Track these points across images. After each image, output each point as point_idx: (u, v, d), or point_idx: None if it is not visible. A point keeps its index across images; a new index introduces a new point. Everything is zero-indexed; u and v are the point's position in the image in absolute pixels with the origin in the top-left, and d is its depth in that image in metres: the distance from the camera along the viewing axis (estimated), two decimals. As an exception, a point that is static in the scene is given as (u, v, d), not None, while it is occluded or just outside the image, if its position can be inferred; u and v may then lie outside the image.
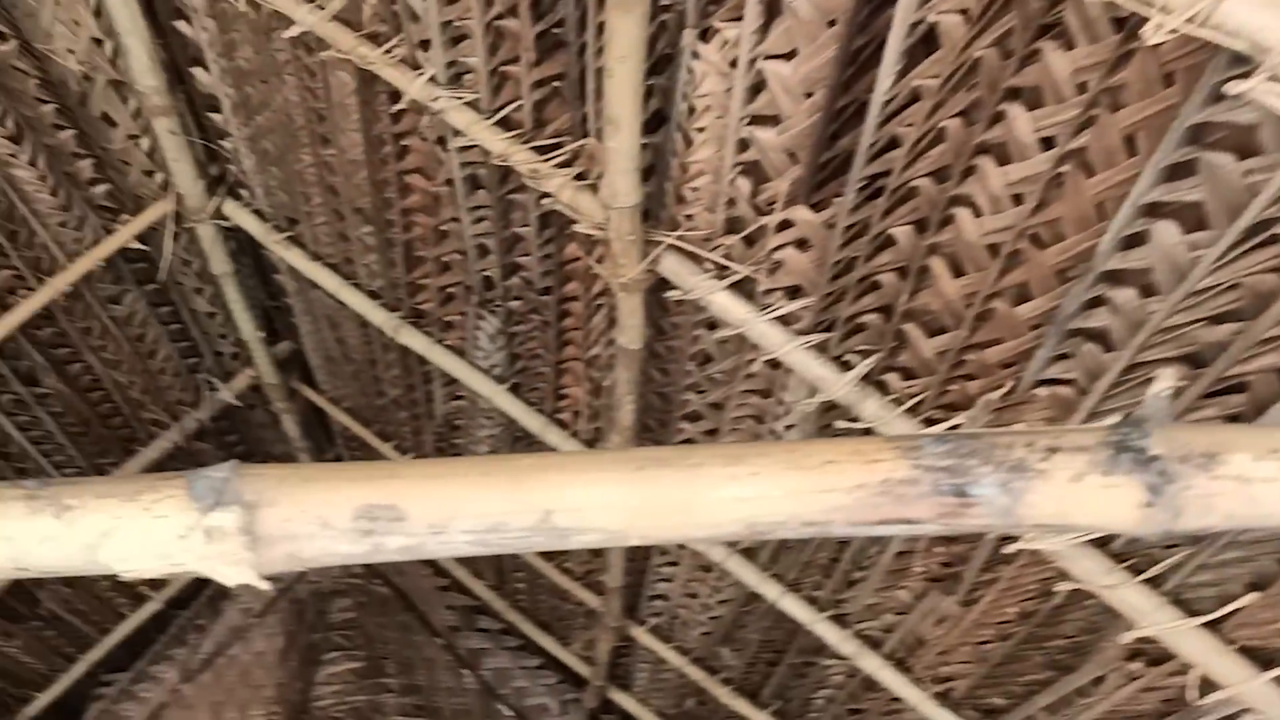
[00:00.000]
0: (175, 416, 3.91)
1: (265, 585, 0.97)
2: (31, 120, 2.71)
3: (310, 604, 4.75)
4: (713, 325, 2.15)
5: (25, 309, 3.04)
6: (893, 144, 1.54)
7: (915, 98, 1.46)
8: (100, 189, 3.01)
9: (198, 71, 2.70)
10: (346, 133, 2.44)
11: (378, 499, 0.94)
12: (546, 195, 2.08)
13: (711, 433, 2.49)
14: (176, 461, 4.04)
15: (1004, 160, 1.45)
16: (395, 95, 2.17)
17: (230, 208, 3.15)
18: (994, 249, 1.57)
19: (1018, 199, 1.47)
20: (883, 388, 1.96)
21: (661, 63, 1.72)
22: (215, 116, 2.84)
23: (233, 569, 0.95)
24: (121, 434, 3.80)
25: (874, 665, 2.81)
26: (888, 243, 1.71)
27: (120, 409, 3.71)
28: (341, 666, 4.60)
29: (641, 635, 3.72)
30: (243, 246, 3.42)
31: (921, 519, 0.96)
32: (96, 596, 4.17)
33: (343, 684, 4.56)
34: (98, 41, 2.61)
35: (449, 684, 4.73)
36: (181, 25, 2.56)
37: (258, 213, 3.15)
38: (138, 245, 3.16)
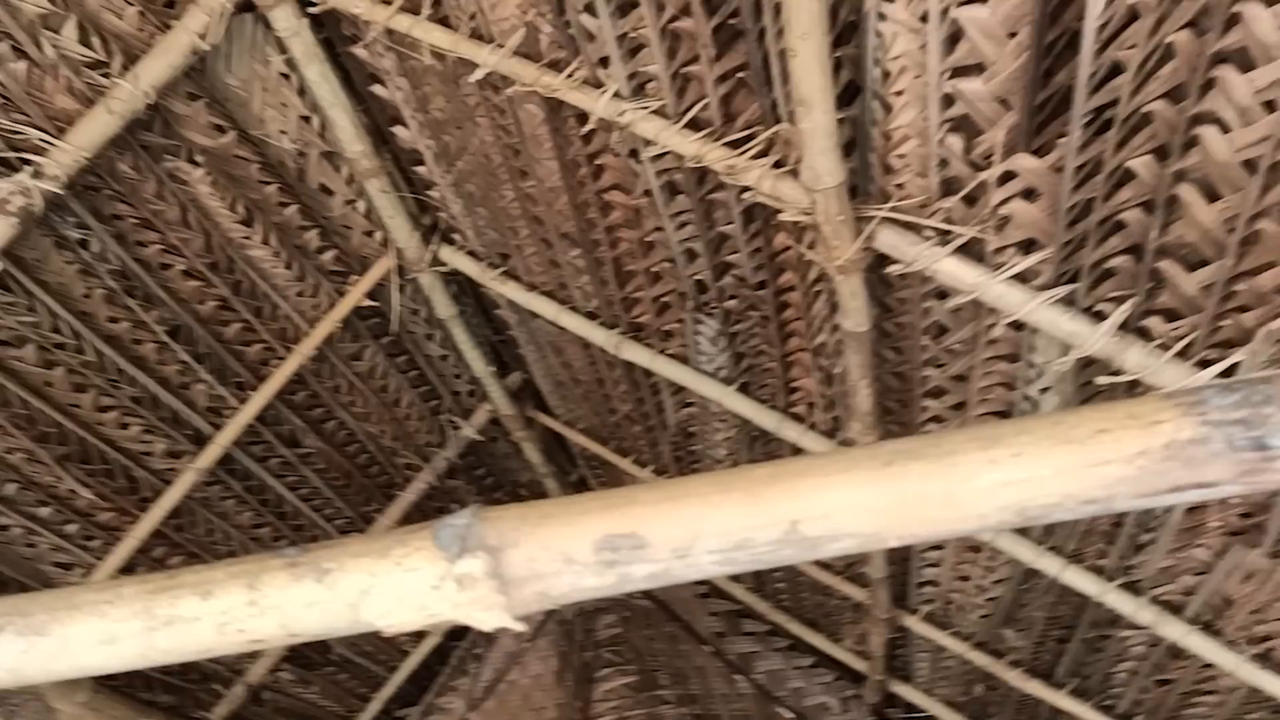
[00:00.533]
0: (426, 458, 4.15)
1: (520, 627, 1.00)
2: (258, 202, 2.95)
3: (577, 624, 4.92)
4: (943, 295, 2.07)
5: (279, 377, 3.31)
6: (1115, 70, 1.43)
7: (1133, 16, 1.35)
8: (328, 255, 3.23)
9: (398, 130, 2.85)
10: (542, 162, 2.51)
11: (617, 528, 0.95)
12: (747, 189, 2.06)
13: (959, 406, 2.39)
14: (433, 501, 4.29)
15: (1247, 66, 1.31)
16: (583, 117, 2.21)
17: (446, 253, 3.31)
18: (1250, 165, 1.42)
19: (1270, 105, 1.33)
20: (1144, 334, 1.82)
21: (846, 33, 1.67)
22: (420, 169, 2.99)
23: (487, 614, 0.97)
24: (380, 481, 4.07)
25: (1178, 632, 2.61)
26: (1126, 177, 1.58)
27: (376, 458, 3.98)
28: (616, 682, 4.74)
29: (915, 624, 3.62)
30: (463, 288, 3.59)
31: (1219, 481, 0.87)
32: (381, 638, 4.47)
33: (619, 699, 4.70)
34: (305, 118, 2.81)
35: (724, 690, 4.78)
36: (377, 89, 2.72)
37: (472, 254, 3.30)
38: (369, 302, 3.38)
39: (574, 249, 2.85)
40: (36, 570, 3.07)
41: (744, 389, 3.03)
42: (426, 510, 4.29)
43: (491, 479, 4.58)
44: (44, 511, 2.98)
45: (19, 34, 2.31)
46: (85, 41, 2.34)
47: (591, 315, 3.17)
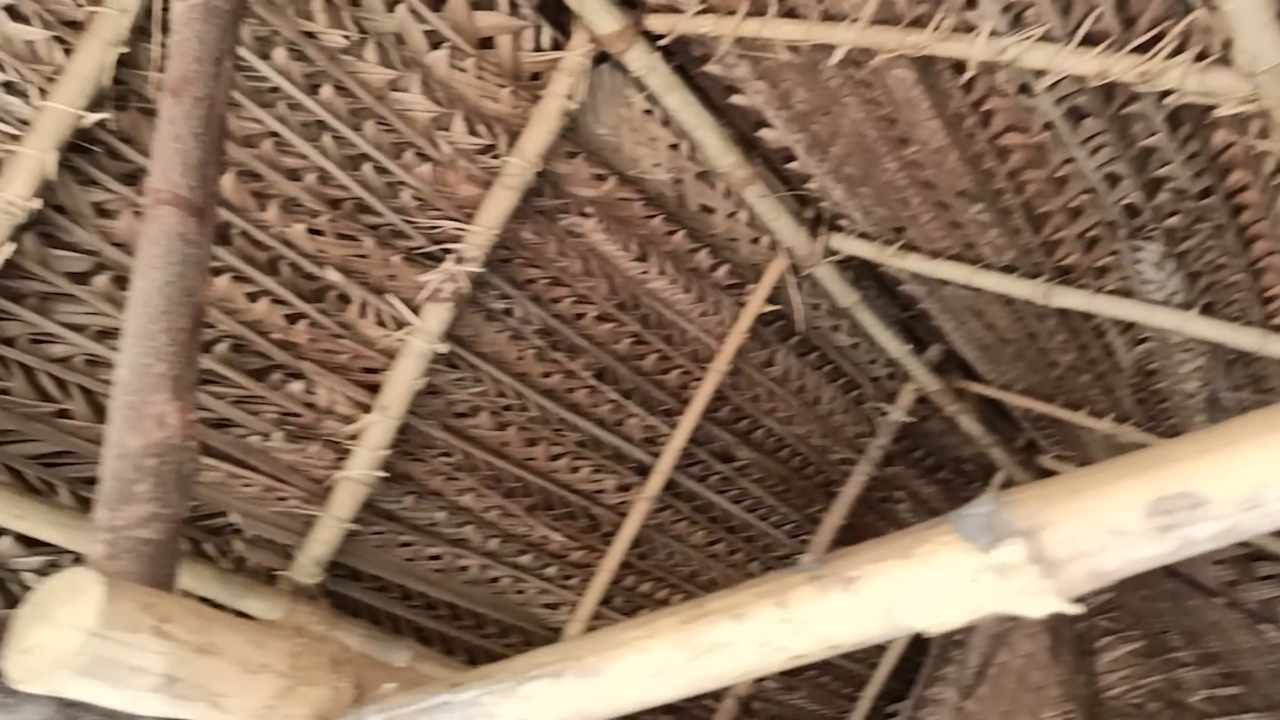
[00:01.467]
0: (860, 450, 4.13)
1: (1074, 609, 0.94)
2: (647, 237, 3.09)
3: (1058, 595, 4.66)
4: None
5: (701, 397, 3.44)
6: None
7: None
8: (721, 271, 3.32)
9: (764, 133, 2.87)
10: (922, 124, 2.41)
11: (1164, 489, 0.86)
12: (1168, 93, 1.84)
13: None
14: (875, 493, 4.26)
15: None
16: (959, 67, 2.10)
17: (837, 241, 3.28)
18: None
19: None
20: None
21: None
22: (792, 165, 2.99)
23: (1035, 601, 0.93)
24: (818, 481, 4.10)
25: None
26: None
27: (809, 459, 4.02)
28: (1119, 651, 4.42)
29: None
30: (860, 272, 3.54)
31: None
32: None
33: (1128, 668, 4.38)
34: (674, 146, 2.91)
35: (1250, 643, 4.30)
36: (736, 99, 2.75)
37: (863, 235, 3.24)
38: (770, 307, 3.43)
39: (975, 204, 2.71)
40: (529, 614, 3.41)
41: (1207, 310, 2.72)
42: (870, 503, 4.27)
43: (931, 459, 4.47)
44: (524, 559, 3.30)
45: (418, 140, 2.59)
46: (473, 131, 2.58)
47: (1009, 269, 2.99)
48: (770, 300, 3.43)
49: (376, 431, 2.73)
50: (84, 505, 2.33)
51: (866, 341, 3.84)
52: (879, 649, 4.62)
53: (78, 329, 2.28)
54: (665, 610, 1.09)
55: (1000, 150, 2.42)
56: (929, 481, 4.51)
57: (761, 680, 4.10)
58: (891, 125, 2.51)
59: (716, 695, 4.00)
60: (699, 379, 3.46)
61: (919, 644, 4.75)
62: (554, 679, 1.13)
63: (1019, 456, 4.53)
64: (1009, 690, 4.58)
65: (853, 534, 4.23)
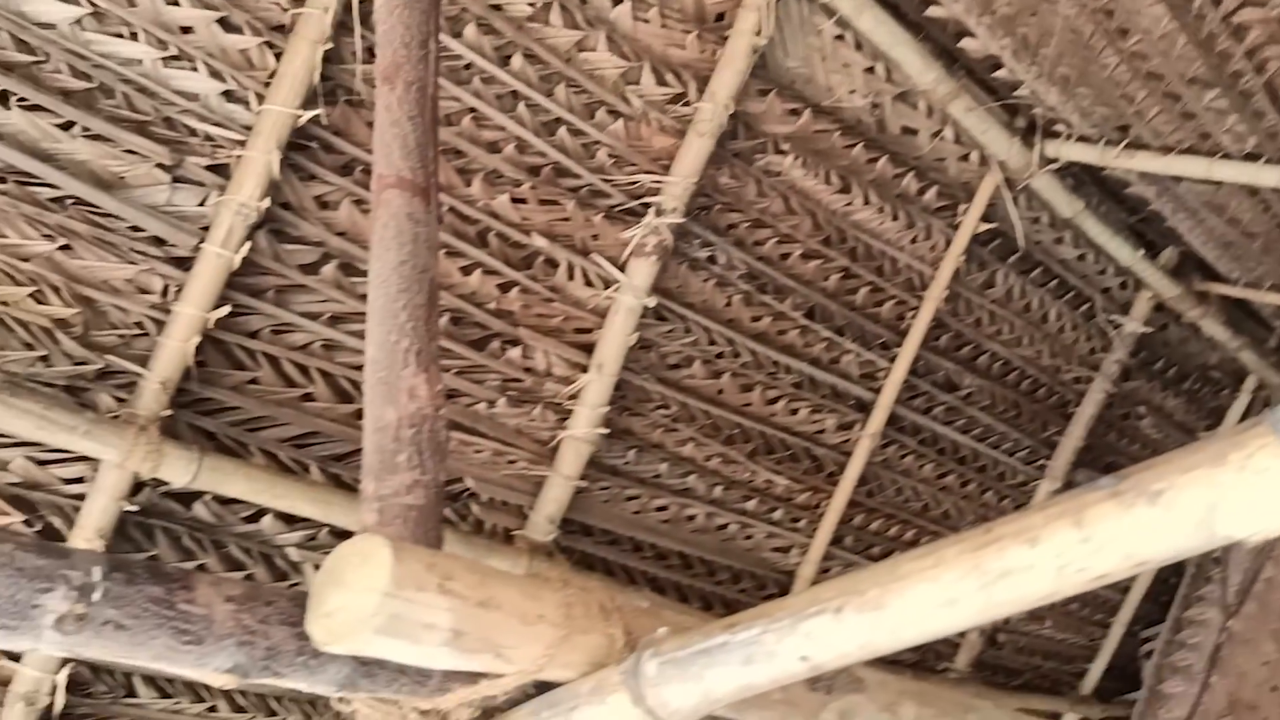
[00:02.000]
0: (1094, 367, 3.94)
1: None
2: (849, 167, 3.02)
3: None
4: None
5: (919, 327, 3.36)
6: None
7: None
8: (930, 194, 3.21)
9: (966, 43, 2.74)
10: (1144, 12, 2.25)
11: None
12: None
13: None
14: (1114, 410, 4.06)
15: None
16: (1181, -55, 1.94)
17: (1053, 148, 3.11)
18: None
19: None
20: None
21: None
22: (999, 74, 2.85)
23: None
24: (1051, 403, 3.94)
25: None
26: None
27: (1039, 380, 3.86)
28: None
29: None
30: (1080, 178, 3.36)
31: None
32: (1099, 561, 4.33)
33: None
34: (869, 70, 2.82)
35: None
36: (932, 11, 2.64)
37: (1082, 139, 3.06)
38: (985, 226, 3.30)
39: (1209, 90, 2.51)
40: (760, 559, 3.44)
41: None
42: (1109, 421, 4.07)
43: (1174, 369, 4.21)
44: (750, 505, 3.32)
45: (609, 97, 2.62)
46: (662, 82, 2.58)
47: (1252, 156, 2.77)
48: (985, 219, 3.30)
49: (594, 390, 2.80)
50: (334, 480, 2.50)
51: (1094, 252, 3.64)
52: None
53: (313, 317, 2.44)
54: (949, 540, 1.08)
55: (1235, 28, 2.23)
56: (1173, 394, 4.26)
57: (1005, 612, 4.00)
58: (1109, 17, 2.35)
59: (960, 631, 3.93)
60: (915, 308, 3.37)
61: (1173, 564, 4.51)
62: (835, 614, 1.13)
63: (1273, 358, 4.22)
64: (1278, 608, 4.31)
65: (1092, 456, 4.06)
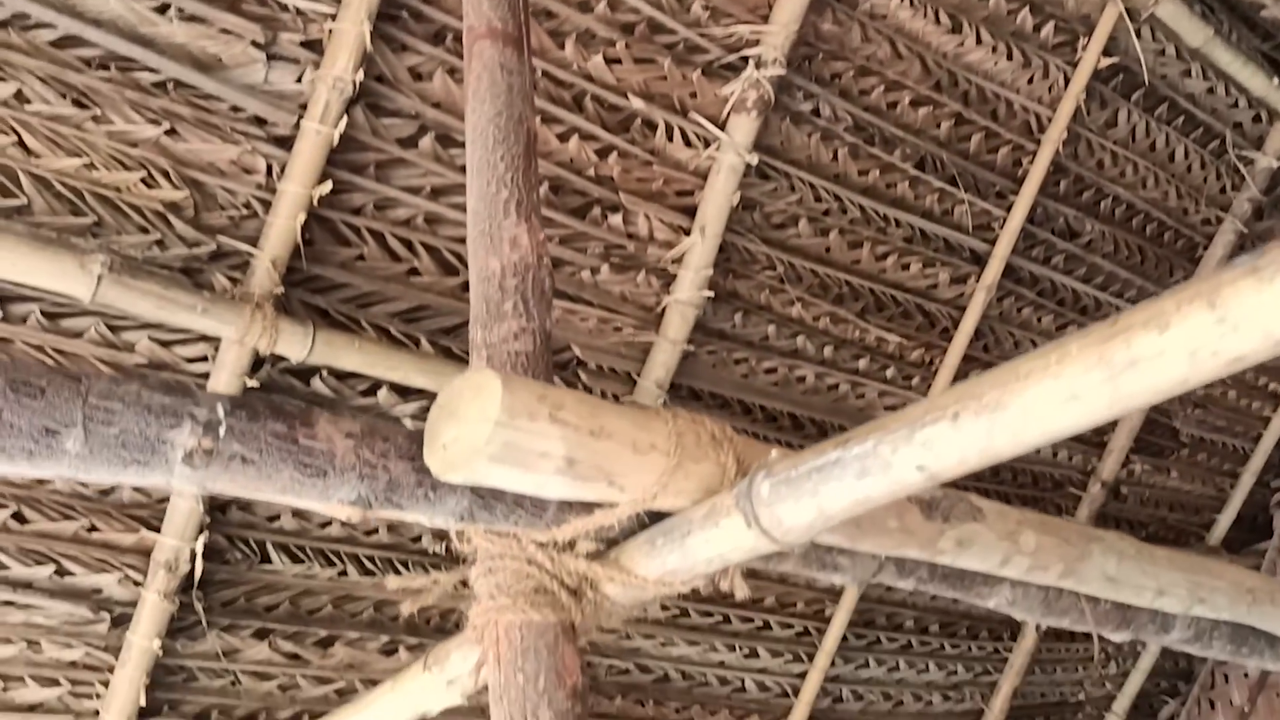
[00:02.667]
0: (1224, 207, 3.76)
1: None
2: (959, 6, 2.88)
3: None
4: None
5: (1036, 173, 3.23)
6: None
7: None
8: (1046, 30, 3.05)
9: None
10: None
11: None
12: None
13: None
14: (1244, 252, 3.87)
15: None
16: None
17: (1181, -29, 2.91)
18: None
19: None
20: None
21: None
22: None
23: None
24: (1177, 247, 3.78)
25: None
26: None
27: (1165, 223, 3.70)
28: None
29: None
30: (1207, 5, 3.15)
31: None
32: (1231, 410, 4.20)
33: None
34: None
35: None
36: None
37: (1215, -43, 2.85)
38: (1107, 61, 3.13)
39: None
40: (871, 419, 3.42)
41: None
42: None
43: (1315, 203, 3.99)
44: (861, 364, 3.29)
45: (702, -56, 2.52)
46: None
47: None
48: (1106, 54, 3.12)
49: (698, 253, 2.77)
50: (444, 353, 2.55)
51: (1224, 83, 3.43)
52: (1261, 420, 4.29)
53: (414, 191, 2.45)
54: (1072, 336, 1.04)
55: None
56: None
57: (1128, 465, 3.93)
58: None
59: (1079, 484, 3.88)
60: (1032, 153, 3.24)
61: (1309, 413, 4.36)
62: (953, 421, 1.11)
63: None
64: None
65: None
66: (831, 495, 1.22)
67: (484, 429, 1.21)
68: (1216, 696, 4.42)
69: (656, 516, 1.43)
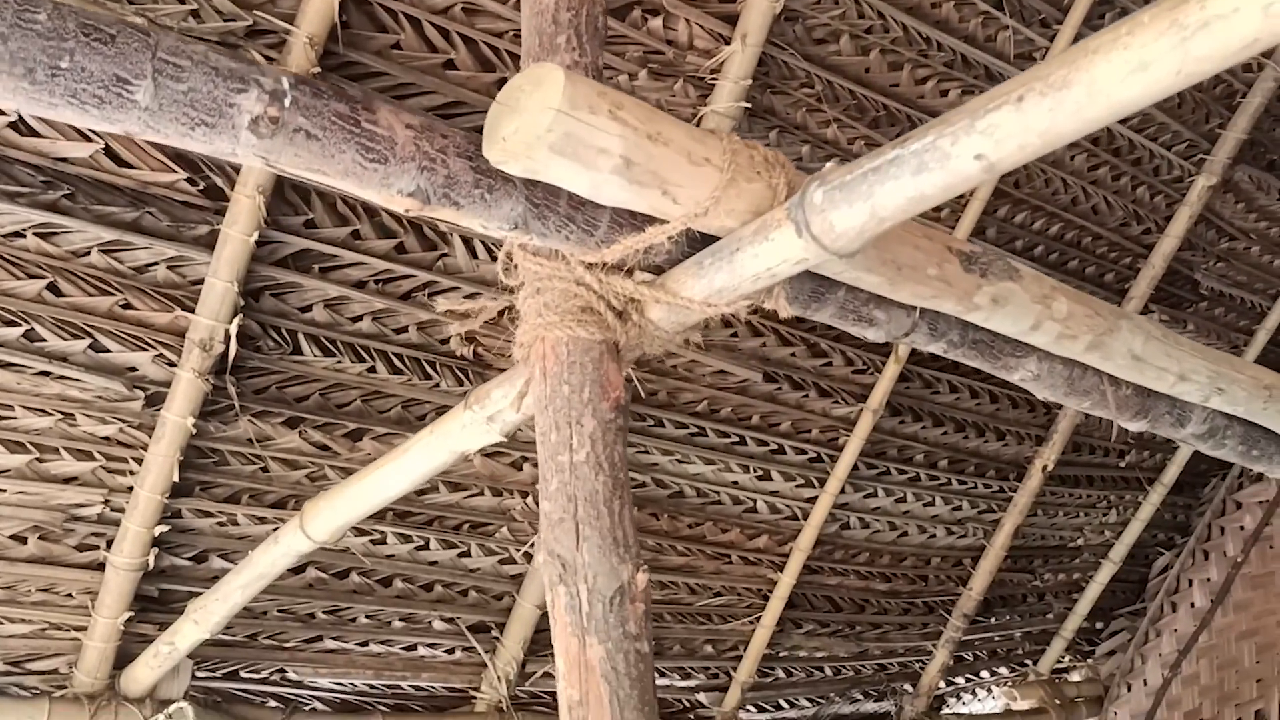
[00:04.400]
0: (1266, 53, 3.67)
1: None
2: None
3: None
4: None
5: (1080, 5, 3.15)
6: None
7: None
8: None
9: None
10: None
11: None
12: None
13: None
14: (1287, 101, 3.81)
15: None
16: None
17: None
18: None
19: None
20: None
21: None
22: None
23: None
24: (1216, 92, 3.71)
25: None
26: None
27: (1207, 67, 3.62)
28: None
29: None
30: None
31: None
32: (1253, 266, 4.19)
33: None
34: None
35: None
36: None
37: None
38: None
39: None
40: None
41: None
42: (1278, 113, 3.83)
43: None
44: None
45: None
46: None
47: None
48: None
49: (737, 63, 2.72)
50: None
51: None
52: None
53: (453, -24, 2.38)
54: (1143, 9, 1.01)
55: None
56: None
57: (1147, 311, 3.93)
58: None
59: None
60: (1078, -18, 3.15)
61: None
62: (1016, 104, 1.08)
63: None
64: None
65: (1255, 151, 3.85)
66: (886, 195, 1.20)
67: (545, 117, 1.20)
68: (1211, 548, 4.53)
69: (708, 239, 1.42)
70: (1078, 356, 1.62)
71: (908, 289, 1.41)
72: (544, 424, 1.32)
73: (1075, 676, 4.76)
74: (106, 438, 2.45)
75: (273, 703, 2.84)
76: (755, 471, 3.43)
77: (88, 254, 2.29)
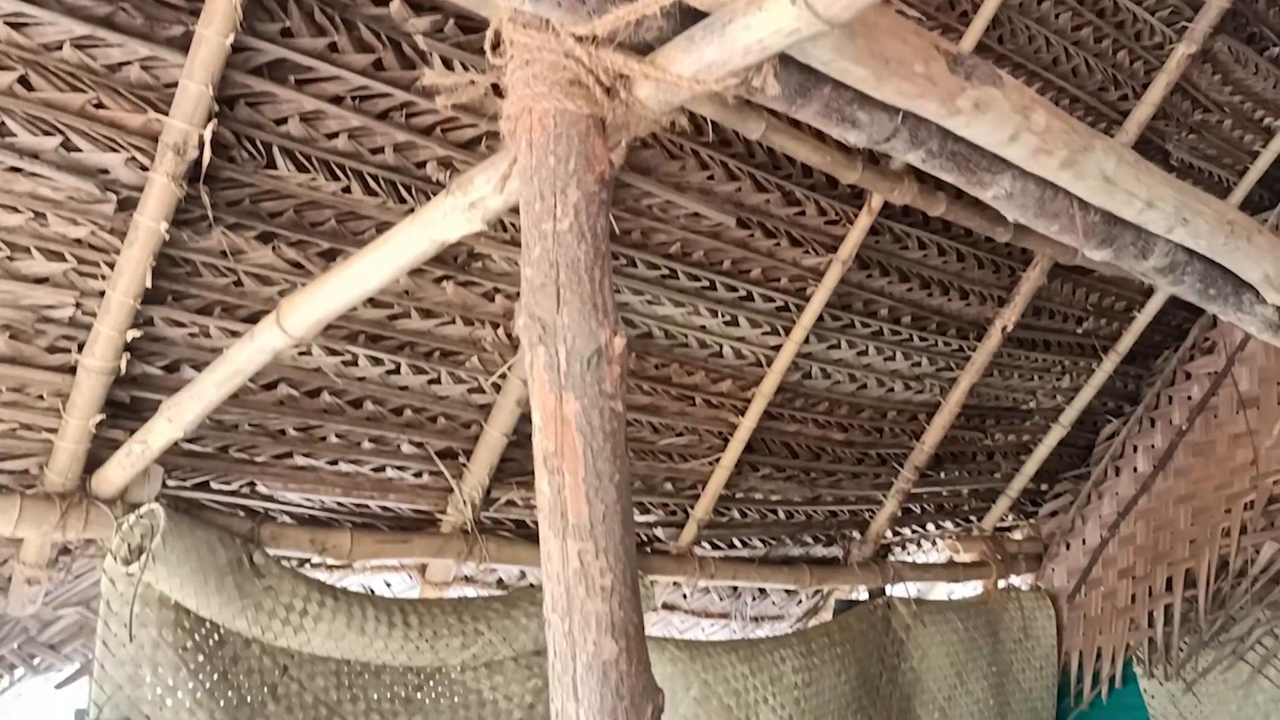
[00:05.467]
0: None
1: None
2: None
3: None
4: None
5: None
6: None
7: None
8: None
9: None
10: None
11: None
12: None
13: None
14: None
15: None
16: None
17: None
18: None
19: None
20: None
21: None
22: None
23: None
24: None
25: None
26: None
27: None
28: None
29: None
30: None
31: None
32: (1224, 140, 4.21)
33: None
34: None
35: None
36: None
37: None
38: None
39: None
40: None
41: None
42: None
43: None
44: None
45: None
46: None
47: None
48: None
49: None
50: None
51: None
52: (1250, 154, 4.31)
53: None
54: None
55: None
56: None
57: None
58: None
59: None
60: None
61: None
62: None
63: None
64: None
65: (1238, 22, 3.84)
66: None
67: None
68: (1158, 416, 4.66)
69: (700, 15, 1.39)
70: (1051, 175, 1.65)
71: (893, 85, 1.42)
72: (529, 194, 1.32)
73: (1017, 535, 4.94)
74: (78, 240, 2.43)
75: (242, 514, 2.90)
76: (723, 317, 3.47)
77: (60, 48, 2.23)
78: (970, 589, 4.87)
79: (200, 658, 2.60)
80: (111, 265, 2.45)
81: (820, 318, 3.62)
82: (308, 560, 3.06)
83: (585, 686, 1.14)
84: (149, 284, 2.45)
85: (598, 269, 1.28)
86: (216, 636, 2.66)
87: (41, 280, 2.44)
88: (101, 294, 2.47)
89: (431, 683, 3.06)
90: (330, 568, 3.17)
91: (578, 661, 1.14)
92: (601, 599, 1.16)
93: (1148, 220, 1.75)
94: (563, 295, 1.24)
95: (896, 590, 4.32)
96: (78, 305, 2.48)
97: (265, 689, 2.72)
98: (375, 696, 2.93)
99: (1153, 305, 4.43)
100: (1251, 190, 4.39)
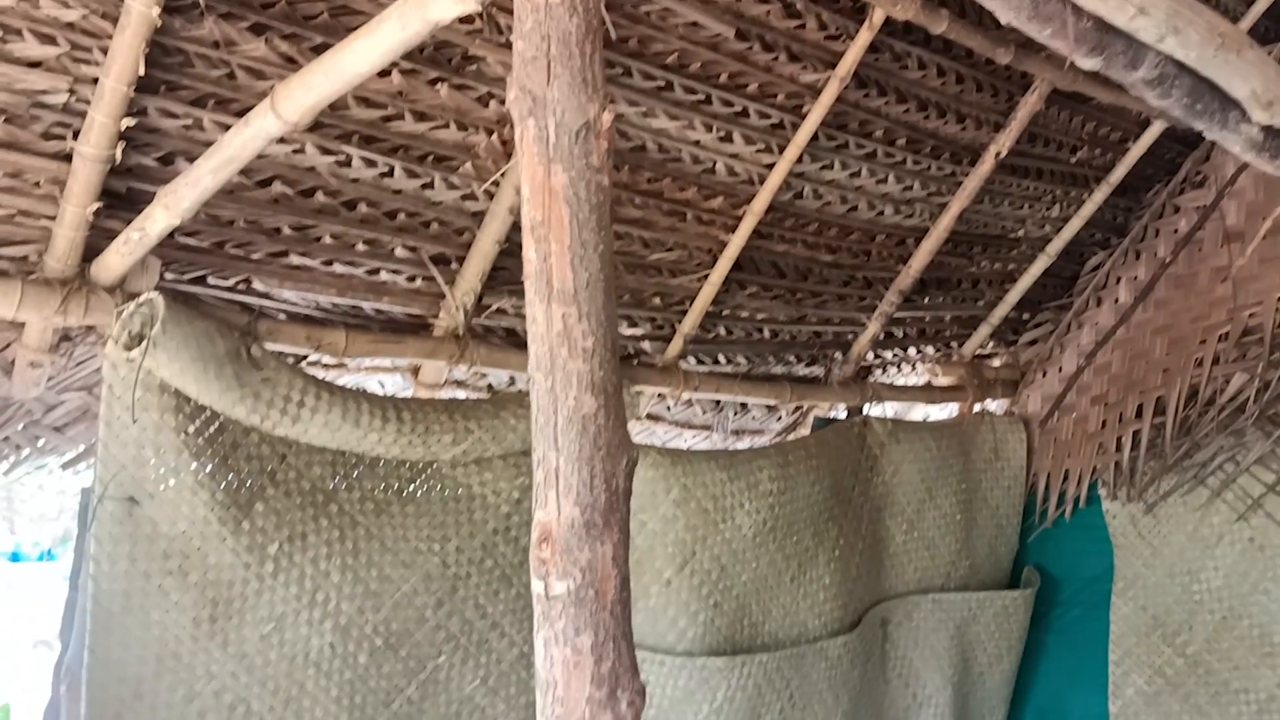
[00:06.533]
0: None
1: None
2: None
3: None
4: None
5: None
6: None
7: None
8: None
9: None
10: None
11: None
12: None
13: None
14: None
15: None
16: None
17: None
18: None
19: None
20: None
21: None
22: None
23: None
24: None
25: None
26: None
27: None
28: None
29: None
30: None
31: None
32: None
33: None
34: None
35: None
36: None
37: None
38: None
39: None
40: None
41: None
42: None
43: None
44: None
45: None
46: None
47: None
48: None
49: None
50: None
51: None
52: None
53: None
54: None
55: None
56: None
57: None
58: None
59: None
60: None
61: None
62: None
63: None
64: None
65: None
66: None
67: None
68: (1144, 248, 4.71)
69: None
70: (1046, -33, 1.64)
71: None
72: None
73: (995, 362, 5.05)
74: (70, 24, 2.41)
75: (239, 309, 2.96)
76: (718, 132, 3.47)
77: None
78: (946, 412, 5.01)
79: (201, 442, 2.70)
80: (105, 51, 2.43)
81: (815, 137, 3.61)
82: (304, 357, 3.14)
83: (565, 438, 1.22)
84: (142, 71, 2.43)
85: (589, 43, 1.29)
86: (217, 423, 2.76)
87: (35, 64, 2.43)
88: (95, 81, 2.46)
89: (423, 476, 3.19)
90: (326, 366, 3.25)
91: (559, 415, 1.22)
92: (583, 360, 1.23)
93: (1139, 27, 1.76)
94: (553, 69, 1.26)
95: (874, 410, 4.45)
96: (72, 91, 2.47)
97: (264, 474, 2.84)
98: (369, 486, 3.06)
99: (1148, 137, 4.41)
100: (1258, 22, 4.31)
